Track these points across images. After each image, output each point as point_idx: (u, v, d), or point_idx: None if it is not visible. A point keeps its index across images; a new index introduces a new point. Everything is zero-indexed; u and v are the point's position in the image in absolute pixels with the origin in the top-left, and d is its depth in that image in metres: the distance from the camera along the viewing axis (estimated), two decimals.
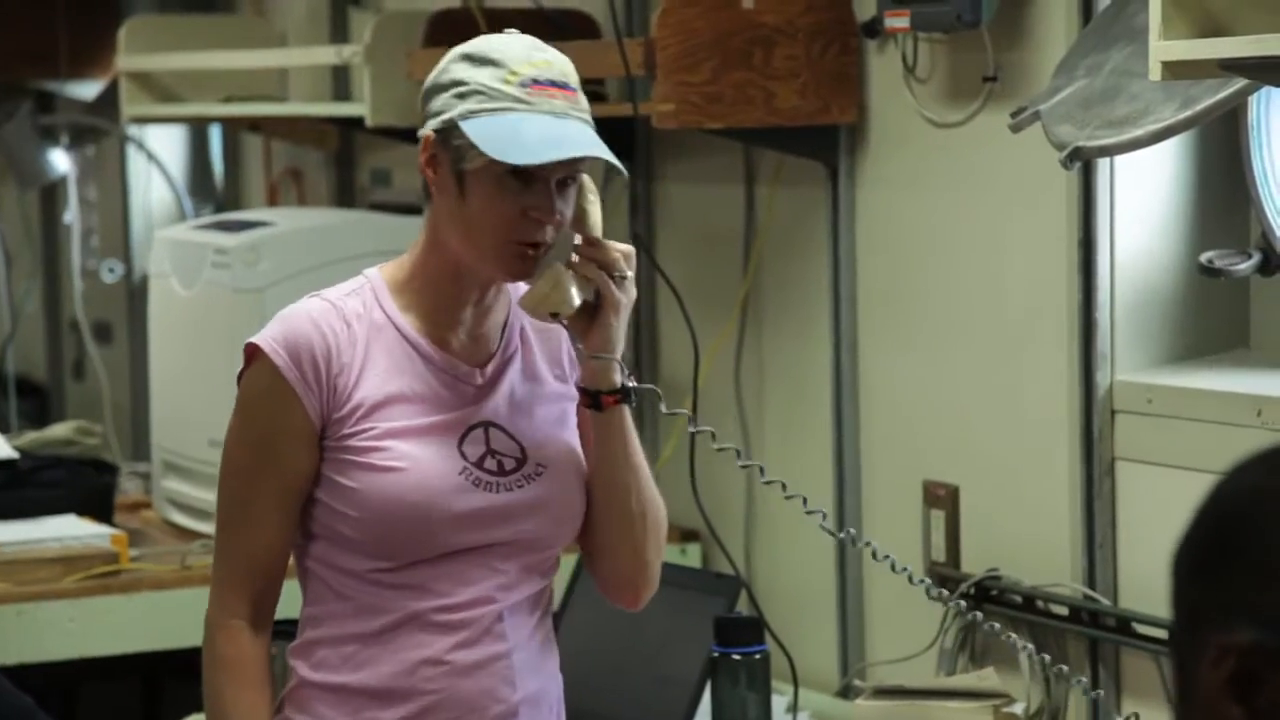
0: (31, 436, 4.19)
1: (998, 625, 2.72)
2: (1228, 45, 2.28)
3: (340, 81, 4.69)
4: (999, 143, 3.04)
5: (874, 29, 3.24)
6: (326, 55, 4.20)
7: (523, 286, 2.25)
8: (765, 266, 3.59)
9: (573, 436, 2.29)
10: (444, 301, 2.25)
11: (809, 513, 2.50)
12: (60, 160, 5.70)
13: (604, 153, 2.18)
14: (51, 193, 5.99)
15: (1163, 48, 2.31)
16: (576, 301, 2.22)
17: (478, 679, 2.23)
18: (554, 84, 2.19)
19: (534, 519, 2.25)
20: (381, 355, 2.23)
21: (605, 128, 3.75)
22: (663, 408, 2.30)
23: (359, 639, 2.23)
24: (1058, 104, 2.74)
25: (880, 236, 3.34)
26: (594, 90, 3.77)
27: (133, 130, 5.41)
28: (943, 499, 3.21)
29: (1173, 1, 2.30)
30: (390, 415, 2.22)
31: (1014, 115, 2.83)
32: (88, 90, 5.60)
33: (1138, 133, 2.60)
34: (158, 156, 5.53)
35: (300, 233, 3.76)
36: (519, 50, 2.21)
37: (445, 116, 2.19)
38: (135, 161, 5.60)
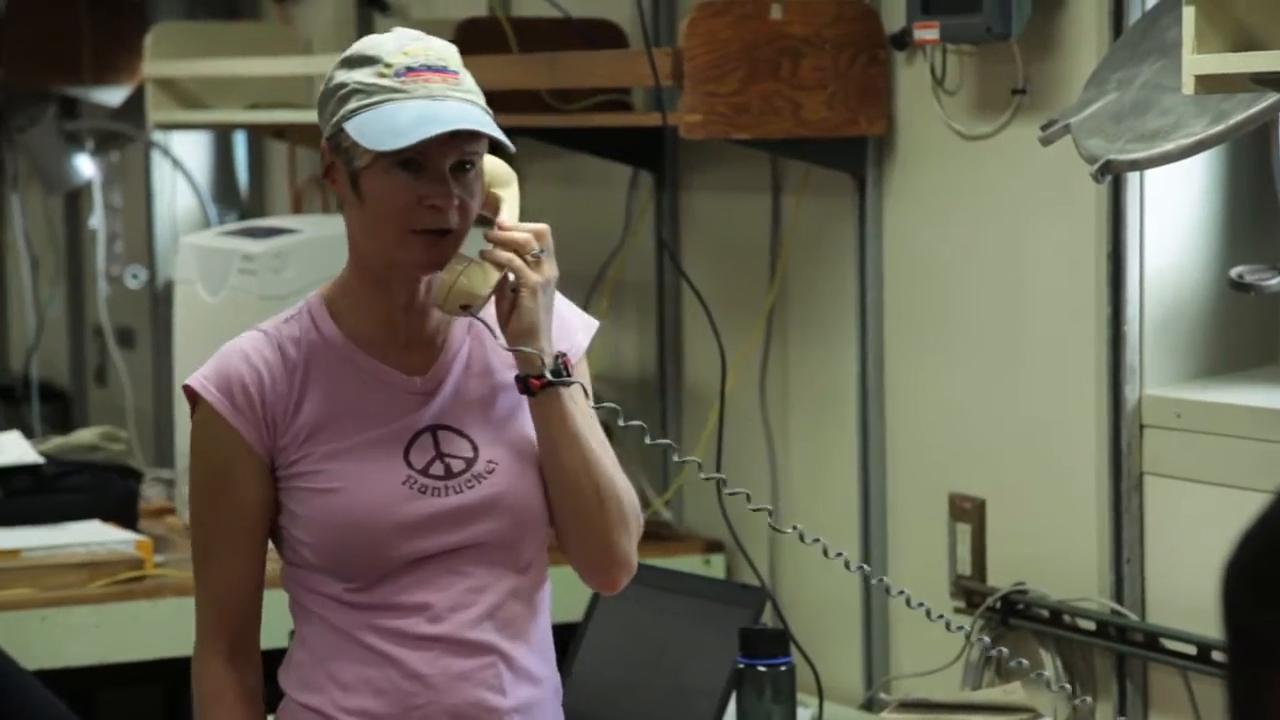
0: (57, 442, 4.20)
1: (1026, 662, 2.69)
2: (1261, 59, 2.27)
3: None
4: (1027, 155, 3.04)
5: (903, 40, 3.24)
6: None
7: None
8: (791, 277, 3.58)
9: (528, 426, 2.25)
10: (376, 311, 2.24)
11: (812, 543, 2.48)
12: (85, 166, 5.72)
13: (481, 126, 2.16)
14: (76, 198, 6.00)
15: (1196, 61, 2.30)
16: (484, 290, 2.19)
17: (464, 690, 2.21)
18: (430, 68, 2.18)
19: (490, 518, 2.22)
20: (321, 376, 2.23)
21: (632, 137, 3.79)
22: (589, 403, 2.25)
23: (341, 658, 2.23)
24: (1089, 117, 2.73)
25: (907, 248, 3.33)
26: (620, 100, 3.78)
27: (158, 136, 5.42)
28: (969, 512, 3.20)
29: (1206, 15, 2.30)
30: (331, 436, 2.22)
31: (1044, 128, 2.82)
32: (113, 96, 5.61)
33: (1169, 147, 2.59)
34: (183, 163, 5.53)
35: (325, 240, 3.76)
36: (393, 43, 2.20)
37: (332, 122, 2.20)
38: (160, 167, 5.61)
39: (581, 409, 2.23)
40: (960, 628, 2.69)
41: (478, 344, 2.27)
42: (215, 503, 2.24)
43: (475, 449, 2.23)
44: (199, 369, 2.25)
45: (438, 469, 2.22)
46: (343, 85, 2.19)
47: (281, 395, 2.22)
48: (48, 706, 3.08)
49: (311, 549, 2.22)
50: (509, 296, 2.20)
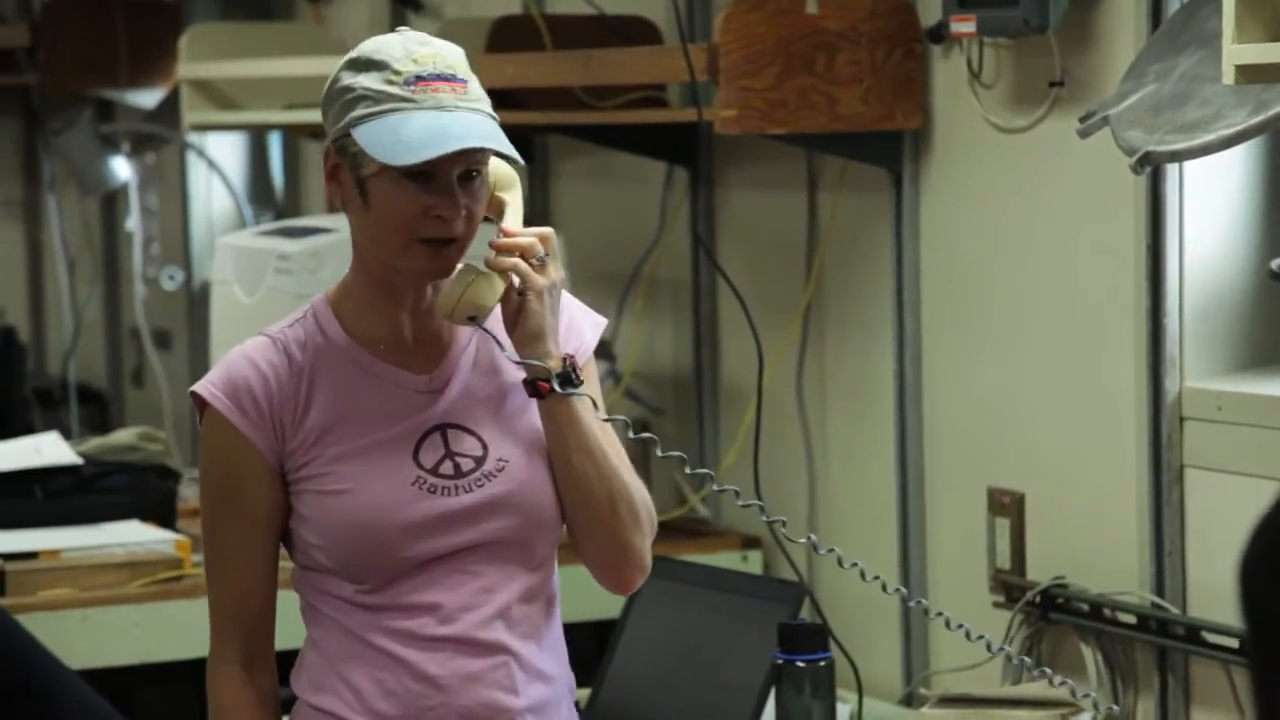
0: (95, 443, 4.22)
1: (1071, 682, 2.67)
2: None
3: None
4: (1065, 148, 3.03)
5: (939, 34, 3.23)
6: None
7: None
8: (828, 272, 3.58)
9: (538, 423, 2.24)
10: (382, 312, 2.23)
11: (860, 575, 2.46)
12: (121, 168, 5.73)
13: (490, 142, 2.14)
14: (112, 200, 6.02)
15: (1236, 51, 2.30)
16: (490, 302, 2.18)
17: (475, 691, 2.20)
18: (439, 77, 2.16)
19: (500, 517, 2.21)
20: (328, 379, 2.22)
21: (667, 133, 3.79)
22: (600, 414, 2.23)
23: (352, 660, 2.22)
24: (1127, 109, 2.72)
25: (944, 243, 3.32)
26: (656, 96, 3.77)
27: (193, 138, 5.44)
28: (1008, 506, 3.19)
29: (1246, 5, 2.29)
30: (339, 438, 2.21)
31: (1083, 120, 2.81)
32: (148, 98, 5.63)
33: (1209, 138, 2.58)
34: (218, 164, 5.55)
35: None
36: (401, 48, 2.18)
37: (338, 126, 2.17)
38: (196, 169, 5.63)
39: (590, 410, 2.22)
40: (1000, 648, 2.66)
41: (484, 341, 2.26)
42: (226, 508, 2.24)
43: (485, 447, 2.22)
44: (206, 375, 2.26)
45: (447, 468, 2.21)
46: (350, 89, 2.17)
47: (289, 399, 2.21)
48: (91, 706, 3.09)
49: (322, 551, 2.21)
50: (515, 300, 2.19)
